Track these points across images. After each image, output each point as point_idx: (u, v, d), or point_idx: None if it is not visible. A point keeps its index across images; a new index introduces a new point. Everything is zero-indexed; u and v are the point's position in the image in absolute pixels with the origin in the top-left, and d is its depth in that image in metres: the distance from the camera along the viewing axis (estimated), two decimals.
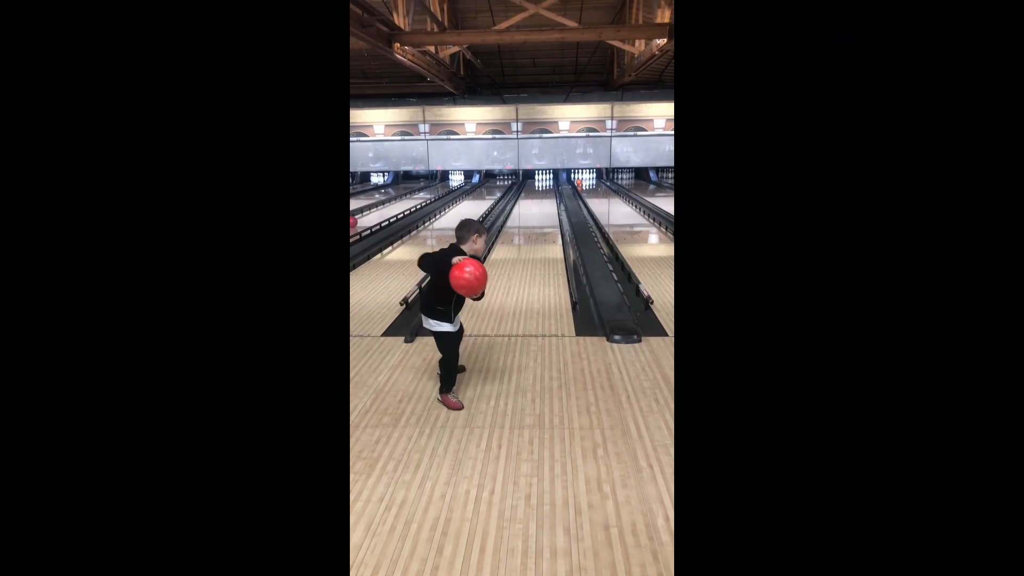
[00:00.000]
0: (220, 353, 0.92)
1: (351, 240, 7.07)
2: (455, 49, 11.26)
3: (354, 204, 11.29)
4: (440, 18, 9.23)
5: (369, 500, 2.03)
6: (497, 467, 2.22)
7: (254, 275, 0.93)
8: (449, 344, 2.74)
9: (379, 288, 4.95)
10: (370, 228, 8.03)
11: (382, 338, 3.73)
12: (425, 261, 2.73)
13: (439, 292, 2.62)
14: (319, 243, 0.96)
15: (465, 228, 2.68)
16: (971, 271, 0.86)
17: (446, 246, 2.67)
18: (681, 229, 0.96)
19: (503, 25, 8.84)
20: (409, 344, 3.58)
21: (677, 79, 0.95)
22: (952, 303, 0.86)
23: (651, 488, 2.07)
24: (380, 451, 2.35)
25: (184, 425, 0.91)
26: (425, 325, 2.71)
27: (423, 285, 2.75)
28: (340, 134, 0.97)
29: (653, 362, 3.25)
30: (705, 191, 0.92)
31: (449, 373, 2.76)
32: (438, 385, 2.85)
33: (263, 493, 0.92)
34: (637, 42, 9.84)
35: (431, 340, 3.65)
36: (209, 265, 0.92)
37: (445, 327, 2.69)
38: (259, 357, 0.93)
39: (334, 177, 0.97)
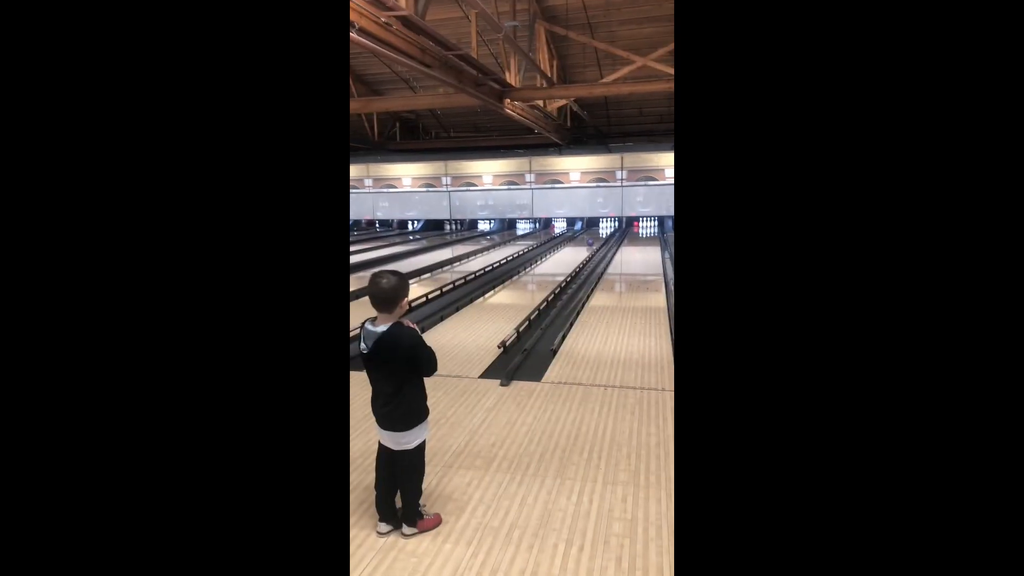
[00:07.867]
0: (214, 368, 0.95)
1: (445, 289, 7.38)
2: (563, 102, 11.66)
3: (462, 249, 11.82)
4: (549, 74, 9.65)
5: (458, 543, 2.04)
6: (587, 523, 2.13)
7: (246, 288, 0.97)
8: (419, 460, 2.11)
9: (479, 331, 5.09)
10: (474, 272, 8.34)
11: (479, 379, 3.80)
12: (372, 363, 2.00)
13: (403, 389, 1.99)
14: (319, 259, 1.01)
15: (391, 290, 1.92)
16: (967, 331, 0.85)
17: (378, 324, 1.96)
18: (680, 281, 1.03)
19: (610, 78, 9.03)
20: (505, 387, 3.61)
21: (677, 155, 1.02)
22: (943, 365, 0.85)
23: None
24: (471, 494, 2.37)
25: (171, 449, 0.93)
26: (388, 443, 2.06)
27: (376, 392, 2.07)
28: (340, 150, 1.04)
29: None
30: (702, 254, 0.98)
31: (416, 497, 2.11)
32: (406, 513, 2.11)
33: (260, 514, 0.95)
34: None
35: (528, 386, 3.68)
36: (200, 275, 0.95)
37: (419, 438, 2.05)
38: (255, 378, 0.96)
39: (334, 189, 1.03)
